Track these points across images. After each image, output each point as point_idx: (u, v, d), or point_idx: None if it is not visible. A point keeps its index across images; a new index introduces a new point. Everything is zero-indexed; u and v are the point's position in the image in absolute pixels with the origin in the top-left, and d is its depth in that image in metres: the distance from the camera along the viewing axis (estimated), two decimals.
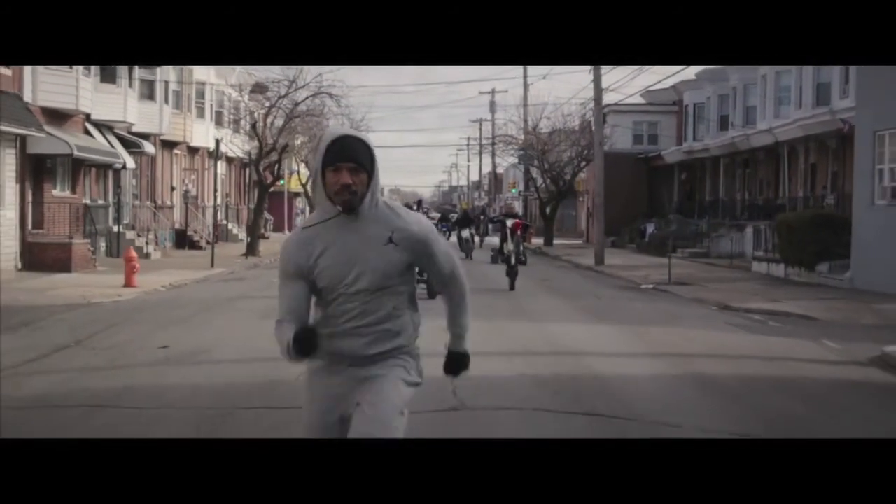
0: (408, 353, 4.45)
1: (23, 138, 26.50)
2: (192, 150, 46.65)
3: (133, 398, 9.53)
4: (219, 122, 48.31)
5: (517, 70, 61.55)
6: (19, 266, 26.24)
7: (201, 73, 44.83)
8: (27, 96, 27.18)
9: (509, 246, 21.65)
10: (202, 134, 45.36)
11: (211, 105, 47.22)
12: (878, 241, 23.38)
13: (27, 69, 27.14)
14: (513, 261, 21.03)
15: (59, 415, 8.86)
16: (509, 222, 22.30)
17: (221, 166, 48.11)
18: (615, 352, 13.15)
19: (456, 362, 4.66)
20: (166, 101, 39.33)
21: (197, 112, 45.12)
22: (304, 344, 4.20)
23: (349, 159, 4.22)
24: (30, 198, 27.72)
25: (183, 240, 42.39)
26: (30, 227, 27.57)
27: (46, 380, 10.68)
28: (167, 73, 39.09)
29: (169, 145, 42.70)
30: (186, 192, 45.49)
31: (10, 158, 26.24)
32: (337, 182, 4.23)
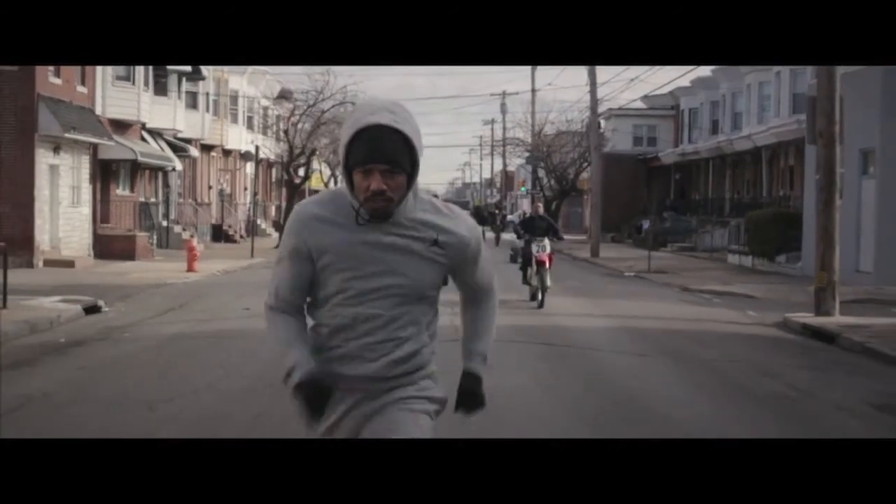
0: (429, 375, 3.67)
1: (95, 146, 31.02)
2: (227, 153, 51.18)
3: (239, 338, 13.92)
4: (249, 126, 52.82)
5: (526, 80, 65.84)
6: (91, 255, 30.75)
7: (235, 82, 49.32)
8: (98, 110, 31.70)
9: (533, 280, 19.18)
10: (235, 138, 49.90)
11: (243, 111, 51.74)
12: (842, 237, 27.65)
13: (100, 87, 31.70)
14: (539, 296, 18.79)
15: (193, 343, 13.31)
16: (535, 248, 19.14)
17: (251, 167, 52.66)
18: (578, 313, 17.59)
19: (472, 395, 3.73)
20: (207, 109, 43.88)
21: (231, 118, 49.64)
22: (313, 402, 3.50)
23: (382, 159, 3.34)
24: (99, 197, 32.24)
25: (219, 234, 46.86)
26: (99, 221, 32.10)
27: (175, 326, 15.20)
28: (208, 85, 43.62)
29: (207, 148, 47.20)
30: (221, 190, 50.08)
31: (85, 163, 30.81)
32: (367, 187, 3.37)
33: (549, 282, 18.97)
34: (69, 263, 27.37)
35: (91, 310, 17.16)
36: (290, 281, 3.60)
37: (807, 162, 29.65)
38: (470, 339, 3.84)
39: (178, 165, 39.33)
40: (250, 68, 51.03)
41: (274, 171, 59.69)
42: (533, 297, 19.07)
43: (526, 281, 19.55)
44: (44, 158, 27.72)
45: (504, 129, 77.08)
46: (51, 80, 27.90)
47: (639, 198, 61.62)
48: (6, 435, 7.38)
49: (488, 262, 3.79)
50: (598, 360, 12.48)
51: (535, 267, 19.03)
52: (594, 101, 43.54)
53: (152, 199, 38.25)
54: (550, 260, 19.24)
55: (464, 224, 3.63)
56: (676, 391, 10.44)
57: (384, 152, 3.32)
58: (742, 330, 16.53)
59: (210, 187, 48.56)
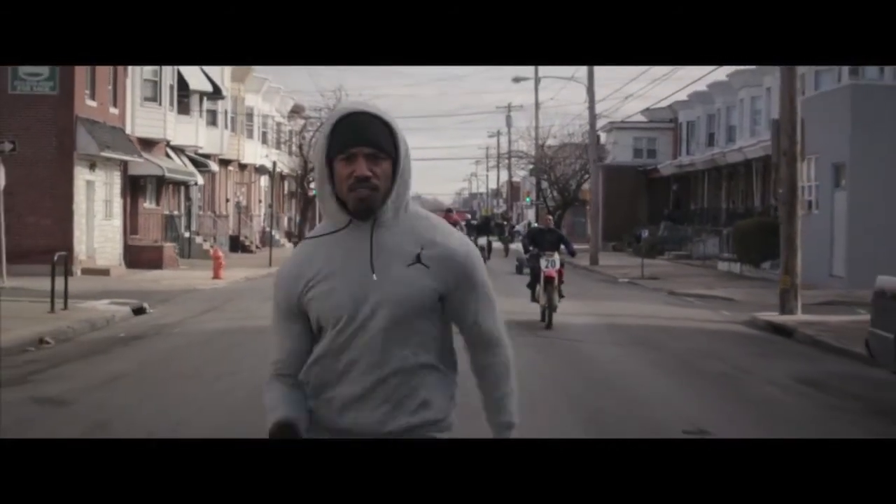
0: (440, 432, 3.11)
1: (126, 163, 33.38)
2: (242, 167, 53.56)
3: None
4: (264, 141, 55.22)
5: (530, 93, 68.16)
6: (123, 264, 33.08)
7: (251, 100, 51.74)
8: (128, 129, 34.07)
9: (541, 299, 17.68)
10: (251, 152, 52.32)
11: (258, 127, 54.16)
12: (810, 242, 29.86)
13: (129, 108, 34.07)
14: (546, 317, 17.44)
15: (238, 336, 15.60)
16: (543, 263, 17.74)
17: (265, 180, 55.07)
18: (569, 312, 19.80)
19: None
20: (226, 126, 46.30)
21: (247, 133, 52.04)
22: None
23: (365, 142, 3.04)
24: (129, 210, 34.60)
25: (236, 244, 49.19)
26: (129, 233, 34.46)
27: (217, 323, 17.51)
28: (226, 103, 46.02)
29: (224, 163, 49.57)
30: (238, 203, 52.49)
31: (117, 179, 33.17)
32: (350, 174, 3.02)
33: (557, 300, 17.62)
34: (105, 272, 29.71)
35: (138, 311, 19.45)
36: (283, 344, 3.22)
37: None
38: (490, 409, 3.19)
39: (200, 180, 41.68)
40: (265, 86, 53.48)
41: (286, 183, 62.06)
42: (543, 317, 17.61)
43: (534, 299, 18.10)
44: (81, 175, 30.07)
45: (509, 141, 79.56)
46: (87, 102, 30.27)
47: (639, 208, 63.84)
48: (123, 391, 9.71)
49: (490, 294, 3.26)
50: (581, 349, 14.74)
51: (542, 283, 17.63)
52: (592, 117, 45.90)
53: (176, 212, 40.60)
54: (560, 275, 17.87)
55: (456, 238, 3.19)
56: (642, 371, 12.69)
57: (367, 135, 3.05)
58: (711, 326, 18.79)
59: (227, 200, 50.91)
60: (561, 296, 17.88)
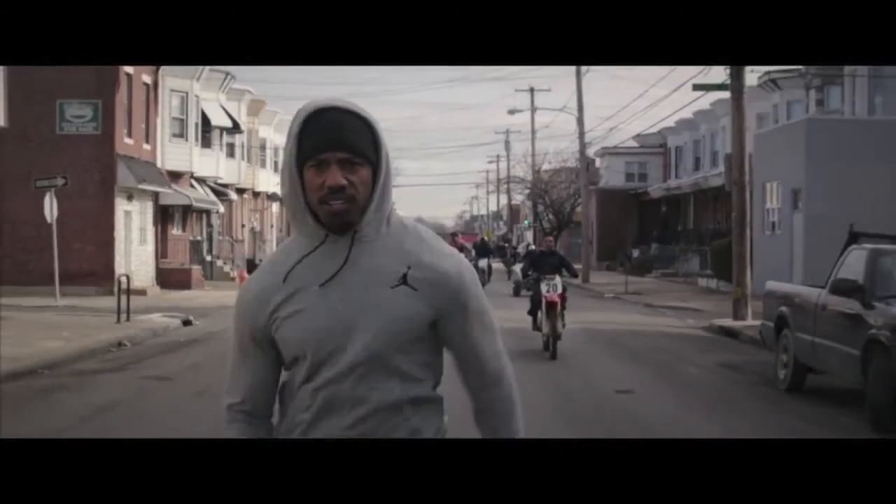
0: None
1: (157, 194, 36.94)
2: (256, 195, 57.22)
3: None
4: (275, 169, 58.93)
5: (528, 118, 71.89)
6: (156, 285, 36.59)
7: (264, 131, 55.47)
8: (158, 163, 37.64)
9: (544, 327, 16.36)
10: (264, 180, 56.04)
11: (271, 157, 57.87)
12: (767, 258, 33.32)
13: (159, 144, 37.68)
14: (550, 346, 16.17)
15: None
16: (544, 288, 16.44)
17: (277, 206, 58.75)
18: None
19: None
20: (242, 157, 49.97)
21: (260, 163, 55.73)
22: None
23: (339, 145, 2.61)
24: (160, 236, 38.14)
25: (252, 266, 52.61)
26: (160, 257, 37.99)
27: None
28: (243, 136, 49.67)
29: (240, 191, 53.18)
30: (253, 228, 56.14)
31: (150, 208, 36.74)
32: (322, 184, 2.62)
33: (561, 327, 16.32)
34: (142, 292, 33.15)
35: (186, 322, 22.90)
36: (243, 378, 2.92)
37: (754, 200, 35.43)
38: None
39: (221, 208, 45.26)
40: (276, 118, 57.16)
41: None
42: (546, 346, 16.33)
43: (536, 327, 16.89)
44: (120, 206, 33.62)
45: (508, 166, 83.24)
46: (125, 140, 33.83)
47: (631, 229, 67.37)
48: (204, 373, 13.18)
49: (494, 328, 2.90)
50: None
51: (544, 309, 16.31)
52: (582, 145, 49.56)
53: (199, 237, 44.16)
54: (563, 300, 16.54)
55: (448, 256, 2.77)
56: (602, 360, 16.14)
57: (341, 136, 2.59)
58: (672, 331, 22.24)
59: (243, 225, 54.51)
60: (563, 325, 16.53)
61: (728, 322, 22.89)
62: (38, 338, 17.92)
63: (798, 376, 12.45)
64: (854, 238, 12.09)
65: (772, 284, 14.27)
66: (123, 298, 21.74)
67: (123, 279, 22.71)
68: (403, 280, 2.70)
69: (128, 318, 21.72)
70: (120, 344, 18.18)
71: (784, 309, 12.93)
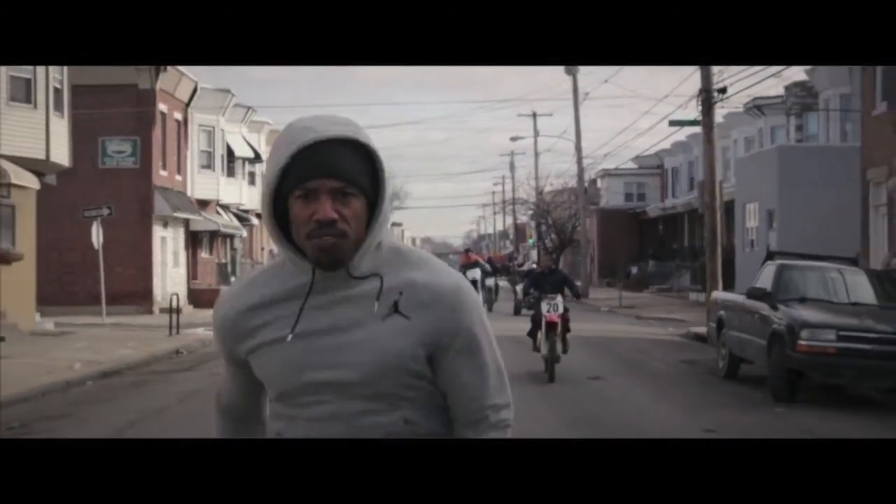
0: None
1: (188, 221, 40.32)
2: None
3: None
4: None
5: (530, 132, 75.27)
6: (189, 304, 39.89)
7: None
8: (189, 192, 41.01)
9: (543, 349, 15.71)
10: None
11: None
12: (747, 273, 36.45)
13: (189, 175, 41.08)
14: (548, 368, 15.56)
15: None
16: (545, 307, 15.71)
17: None
18: None
19: None
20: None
21: None
22: None
23: (331, 171, 2.37)
24: (191, 260, 41.48)
25: None
26: (191, 278, 41.32)
27: None
28: (263, 165, 53.13)
29: (260, 216, 56.50)
30: (271, 251, 59.60)
31: (181, 234, 40.11)
32: (309, 217, 2.38)
33: (561, 349, 15.76)
34: (178, 311, 36.51)
35: None
36: (230, 387, 2.87)
37: (736, 219, 38.69)
38: None
39: (244, 233, 48.66)
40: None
41: None
42: (546, 367, 15.65)
43: (536, 348, 16.27)
44: (157, 233, 36.97)
45: (514, 186, 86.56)
46: (160, 172, 37.20)
47: (630, 247, 70.57)
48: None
49: (501, 367, 2.71)
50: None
51: (544, 330, 15.63)
52: (580, 170, 52.81)
53: (224, 260, 47.53)
54: (564, 321, 15.82)
55: (444, 275, 2.53)
56: (584, 360, 19.31)
57: (333, 163, 2.35)
58: (653, 337, 25.45)
59: (262, 248, 57.91)
60: (565, 349, 16.04)
61: (702, 329, 26.06)
62: (107, 348, 21.18)
63: (732, 366, 15.80)
64: (770, 256, 15.38)
65: (716, 294, 17.55)
66: (173, 315, 25.00)
67: (174, 298, 25.98)
68: (395, 308, 2.46)
69: (178, 332, 24.98)
70: (178, 351, 21.43)
71: (722, 312, 16.26)
